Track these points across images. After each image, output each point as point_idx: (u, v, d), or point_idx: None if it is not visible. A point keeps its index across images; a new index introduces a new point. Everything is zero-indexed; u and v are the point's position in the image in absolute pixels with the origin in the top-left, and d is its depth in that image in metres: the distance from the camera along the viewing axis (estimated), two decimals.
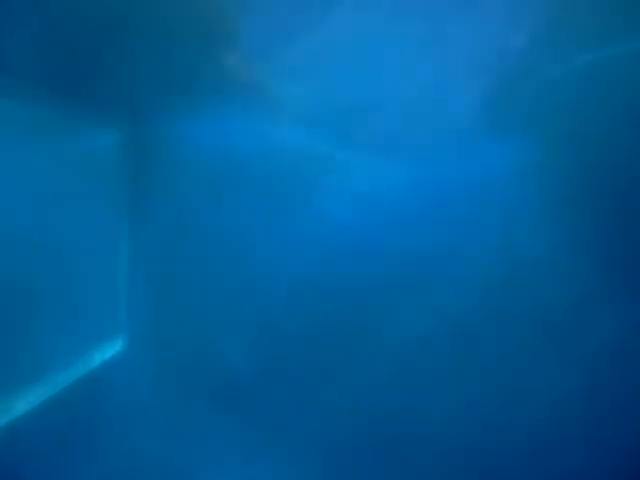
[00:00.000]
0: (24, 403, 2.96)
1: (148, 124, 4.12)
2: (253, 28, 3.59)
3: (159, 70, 3.65)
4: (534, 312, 4.13)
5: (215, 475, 4.25)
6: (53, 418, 3.11)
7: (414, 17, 3.70)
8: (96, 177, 4.11)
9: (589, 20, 3.54)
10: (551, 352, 4.10)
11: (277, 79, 3.95)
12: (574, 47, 3.74)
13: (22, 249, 3.52)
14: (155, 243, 4.29)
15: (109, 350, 3.99)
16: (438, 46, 3.80)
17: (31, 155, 3.63)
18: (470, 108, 3.99)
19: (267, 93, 4.03)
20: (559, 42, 3.72)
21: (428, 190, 4.22)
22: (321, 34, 3.62)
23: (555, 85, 3.88)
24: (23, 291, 3.59)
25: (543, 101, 3.94)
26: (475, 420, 4.15)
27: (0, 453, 2.69)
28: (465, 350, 4.22)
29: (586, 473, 3.94)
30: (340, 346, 4.35)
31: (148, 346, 4.28)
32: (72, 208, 3.91)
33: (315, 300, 4.32)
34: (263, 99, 4.06)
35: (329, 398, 4.32)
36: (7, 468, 2.71)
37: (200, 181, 4.29)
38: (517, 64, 3.83)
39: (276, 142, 4.23)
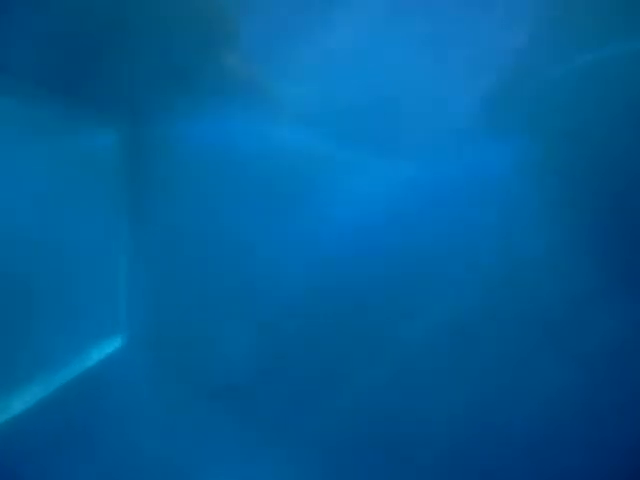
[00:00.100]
0: (21, 402, 2.95)
1: (148, 124, 4.12)
2: (253, 28, 3.59)
3: (159, 70, 3.64)
4: (533, 311, 4.14)
5: (214, 474, 4.25)
6: (51, 417, 3.11)
7: (414, 17, 3.70)
8: (96, 177, 4.11)
9: (589, 20, 3.54)
10: (551, 351, 4.10)
11: (277, 79, 3.95)
12: (574, 47, 3.75)
13: (20, 248, 3.51)
14: (154, 242, 4.29)
15: (107, 349, 3.98)
16: (438, 46, 3.80)
17: (30, 155, 3.63)
18: (470, 108, 3.99)
19: (267, 93, 4.03)
20: (559, 42, 3.72)
21: (428, 190, 4.22)
22: (321, 34, 3.62)
23: (555, 85, 3.88)
24: (21, 290, 3.59)
25: (543, 101, 3.94)
26: (475, 420, 4.15)
27: None
28: (465, 349, 4.22)
29: (586, 472, 3.94)
30: (340, 346, 4.35)
31: (147, 345, 4.27)
32: (71, 207, 3.90)
33: (315, 300, 4.32)
34: (263, 99, 4.06)
35: (329, 398, 4.31)
36: (4, 467, 2.70)
37: (200, 181, 4.29)
38: (517, 64, 3.83)
39: (276, 142, 4.23)
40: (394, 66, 3.91)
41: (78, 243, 3.93)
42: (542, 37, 3.65)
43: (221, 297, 4.36)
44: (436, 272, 4.23)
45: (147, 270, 4.28)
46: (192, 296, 4.37)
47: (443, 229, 4.20)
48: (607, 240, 4.01)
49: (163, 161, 4.24)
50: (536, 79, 3.90)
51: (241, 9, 3.56)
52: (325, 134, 4.21)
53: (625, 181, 3.93)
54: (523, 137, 4.05)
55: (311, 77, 3.92)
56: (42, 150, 3.74)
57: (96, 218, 4.07)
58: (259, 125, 4.19)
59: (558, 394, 4.03)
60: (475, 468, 4.15)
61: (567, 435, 4.07)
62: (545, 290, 4.11)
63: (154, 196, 4.26)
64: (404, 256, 4.25)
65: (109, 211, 4.13)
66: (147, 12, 3.25)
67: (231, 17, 3.53)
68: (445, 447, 4.14)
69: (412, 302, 4.25)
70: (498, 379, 4.14)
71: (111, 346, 4.05)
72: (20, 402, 2.95)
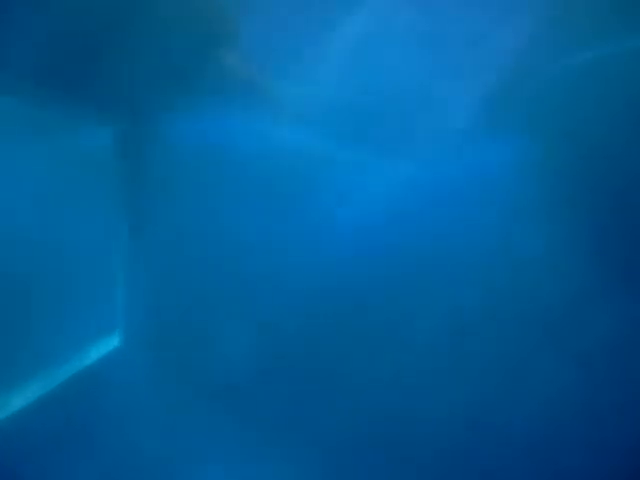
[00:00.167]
0: (21, 399, 2.95)
1: (147, 123, 4.11)
2: (253, 28, 3.59)
3: (159, 69, 3.64)
4: (533, 310, 4.13)
5: (213, 473, 4.25)
6: (50, 414, 3.11)
7: (414, 17, 3.71)
8: (95, 175, 4.11)
9: (587, 19, 3.54)
10: (550, 350, 4.10)
11: (277, 79, 3.95)
12: (573, 46, 3.75)
13: (19, 246, 3.52)
14: (153, 241, 4.28)
15: (106, 347, 3.98)
16: (438, 46, 3.80)
17: (29, 153, 3.63)
18: (470, 107, 3.99)
19: (267, 93, 4.03)
20: (558, 41, 3.73)
21: (427, 189, 4.21)
22: (321, 34, 3.62)
23: (554, 84, 3.88)
24: (20, 288, 3.59)
25: (542, 100, 3.94)
26: (474, 419, 4.14)
27: None
28: (464, 349, 4.22)
29: (585, 472, 3.93)
30: (340, 346, 4.34)
31: (145, 343, 4.27)
32: (70, 206, 3.91)
33: (315, 300, 4.32)
34: (263, 99, 4.06)
35: (329, 398, 4.31)
36: (3, 464, 2.70)
37: (199, 180, 4.28)
38: (516, 64, 3.84)
39: (276, 141, 4.23)
40: (394, 66, 3.91)
41: (77, 242, 3.93)
42: (541, 36, 3.66)
43: (220, 296, 4.36)
44: (436, 272, 4.23)
45: (146, 269, 4.28)
46: (191, 295, 4.37)
47: (443, 229, 4.20)
48: (607, 239, 4.00)
49: (162, 160, 4.23)
50: (536, 79, 3.91)
51: (241, 9, 3.56)
52: (325, 134, 4.21)
53: (623, 179, 3.92)
54: (523, 136, 4.05)
55: (311, 77, 3.92)
56: (41, 148, 3.74)
57: (96, 217, 4.07)
58: (259, 125, 4.18)
59: (557, 393, 4.03)
60: (475, 468, 4.14)
61: (566, 434, 4.06)
62: (545, 289, 4.11)
63: (153, 195, 4.25)
64: (404, 256, 4.25)
65: (108, 210, 4.13)
66: (147, 12, 3.25)
67: (231, 17, 3.54)
68: (444, 446, 4.14)
69: (412, 302, 4.25)
70: (498, 378, 4.13)
71: (110, 345, 4.05)
72: (19, 400, 2.95)
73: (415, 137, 4.13)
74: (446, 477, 4.18)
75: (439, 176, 4.21)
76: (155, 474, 4.01)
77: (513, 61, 3.83)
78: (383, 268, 4.28)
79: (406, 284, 4.28)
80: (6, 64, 2.63)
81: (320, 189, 4.26)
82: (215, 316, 4.34)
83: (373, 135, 4.20)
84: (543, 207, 4.07)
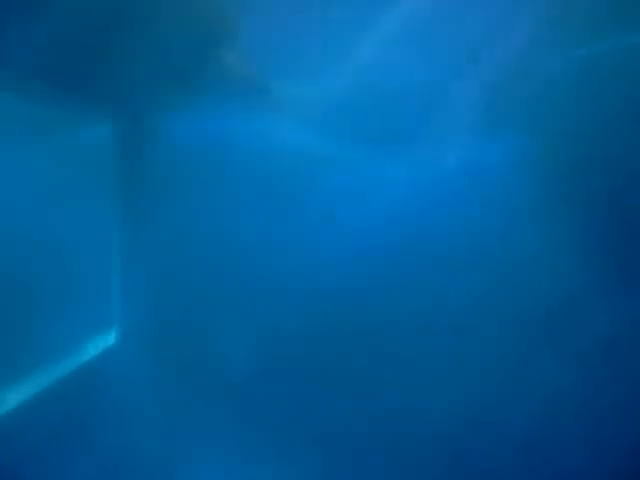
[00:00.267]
0: (18, 396, 2.94)
1: (147, 122, 4.12)
2: (253, 26, 3.59)
3: (158, 67, 3.64)
4: (532, 309, 4.13)
5: (211, 470, 4.24)
6: (47, 411, 3.10)
7: (413, 16, 3.71)
8: (92, 172, 4.11)
9: (586, 16, 3.55)
10: (549, 349, 4.10)
11: (277, 78, 3.95)
12: (572, 44, 3.76)
13: (16, 243, 3.51)
14: (151, 238, 4.27)
15: (104, 344, 3.97)
16: (437, 45, 3.81)
17: (28, 150, 3.63)
18: (469, 106, 3.99)
19: (267, 92, 4.03)
20: (558, 39, 3.73)
21: (427, 187, 4.21)
22: (321, 33, 3.62)
23: (554, 82, 3.88)
24: (18, 285, 3.59)
25: (541, 98, 3.94)
26: (472, 418, 4.14)
27: None
28: (464, 348, 4.22)
29: (584, 472, 3.93)
30: (341, 345, 4.34)
31: (143, 340, 4.26)
32: (67, 202, 3.91)
33: (315, 299, 4.31)
34: (263, 98, 4.06)
35: (329, 397, 4.31)
36: (0, 461, 2.69)
37: (198, 178, 4.28)
38: (516, 61, 3.84)
39: (276, 141, 4.23)
40: (393, 65, 3.92)
41: (73, 237, 3.93)
42: (541, 34, 3.66)
43: (219, 294, 4.36)
44: (435, 271, 4.23)
45: (144, 266, 4.27)
46: (189, 292, 4.37)
47: (442, 228, 4.20)
48: (607, 238, 4.01)
49: (162, 159, 4.23)
50: (535, 77, 3.91)
51: (241, 8, 3.57)
52: (325, 133, 4.22)
53: (622, 177, 3.93)
54: (522, 134, 4.06)
55: (311, 76, 3.92)
56: (40, 147, 3.74)
57: (94, 214, 4.07)
58: (259, 124, 4.18)
59: (557, 392, 4.03)
60: (475, 468, 4.14)
61: (566, 434, 4.06)
62: (544, 288, 4.11)
63: (152, 193, 4.25)
64: (404, 255, 4.25)
65: (107, 207, 4.12)
66: (147, 10, 3.25)
67: (231, 16, 3.54)
68: (445, 447, 4.13)
69: (412, 301, 4.25)
70: (498, 378, 4.13)
71: (107, 341, 4.05)
72: (16, 396, 2.94)
73: (415, 136, 4.13)
74: (446, 477, 4.18)
75: (438, 175, 4.21)
76: (153, 471, 4.01)
77: (512, 60, 3.84)
78: (383, 267, 4.28)
79: (406, 283, 4.28)
80: (5, 61, 2.63)
81: (320, 188, 4.26)
82: (214, 314, 4.34)
83: (373, 134, 4.20)
84: (543, 206, 4.07)
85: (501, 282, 4.18)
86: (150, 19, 3.38)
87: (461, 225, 4.21)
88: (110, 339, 4.08)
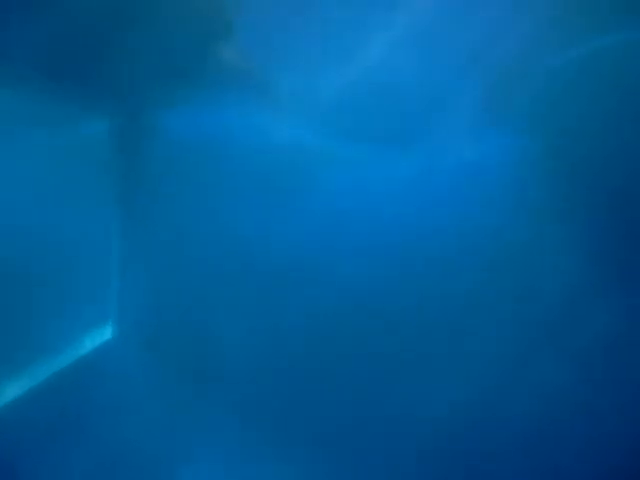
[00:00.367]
0: (14, 390, 2.93)
1: (145, 116, 4.10)
2: (252, 20, 3.58)
3: (157, 62, 3.62)
4: (531, 308, 4.13)
5: (208, 466, 4.22)
6: (43, 405, 3.09)
7: (413, 13, 3.71)
8: (92, 168, 4.09)
9: (586, 13, 3.56)
10: (548, 347, 4.10)
11: (276, 72, 3.94)
12: (572, 40, 3.77)
13: (12, 237, 3.49)
14: (149, 234, 4.25)
15: (100, 338, 3.96)
16: (437, 42, 3.81)
17: (25, 145, 3.61)
18: (469, 104, 4.00)
19: (266, 87, 4.02)
20: (557, 36, 3.74)
21: (427, 184, 4.21)
22: (322, 28, 3.62)
23: (555, 79, 3.89)
24: (15, 279, 3.57)
25: (541, 96, 3.95)
26: (468, 417, 4.13)
27: None
28: (462, 347, 4.21)
29: (583, 471, 3.94)
30: (341, 344, 4.32)
31: (140, 334, 4.24)
32: (64, 197, 3.88)
33: (315, 297, 4.30)
34: (262, 93, 4.04)
35: (329, 395, 4.29)
36: None
37: (196, 173, 4.26)
38: (517, 58, 3.84)
39: (275, 136, 4.21)
40: (393, 62, 3.91)
41: (70, 231, 3.91)
42: (541, 32, 3.67)
43: (216, 288, 4.33)
44: (434, 269, 4.22)
45: (141, 260, 4.25)
46: (187, 286, 4.34)
47: (442, 226, 4.20)
48: (607, 236, 4.02)
49: (160, 154, 4.21)
50: (536, 73, 3.91)
51: (240, 3, 3.55)
52: (324, 129, 4.21)
53: (621, 175, 3.94)
54: (523, 131, 4.06)
55: (310, 72, 3.91)
56: (37, 140, 3.72)
57: (91, 208, 4.05)
58: (258, 119, 4.17)
59: (556, 392, 4.03)
60: (475, 468, 4.14)
61: (566, 433, 4.06)
62: (544, 287, 4.11)
63: (150, 188, 4.23)
64: (403, 254, 4.24)
65: (105, 202, 4.10)
66: (145, 4, 3.23)
67: (230, 10, 3.52)
68: (445, 447, 4.13)
69: (412, 300, 4.25)
70: (498, 377, 4.12)
71: (104, 335, 4.03)
72: (13, 391, 2.92)
73: (414, 131, 4.13)
74: (446, 477, 4.17)
75: (438, 174, 4.21)
76: (149, 465, 3.99)
77: (512, 58, 3.84)
78: (383, 266, 4.27)
79: (405, 283, 4.27)
80: (4, 57, 2.61)
81: (319, 185, 4.24)
82: (211, 309, 4.32)
83: (372, 132, 4.20)
84: (543, 205, 4.07)
85: (501, 281, 4.19)
86: (148, 14, 3.36)
87: (461, 224, 4.20)
88: (107, 334, 4.06)
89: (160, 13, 3.38)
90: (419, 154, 4.21)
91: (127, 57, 3.48)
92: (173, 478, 4.24)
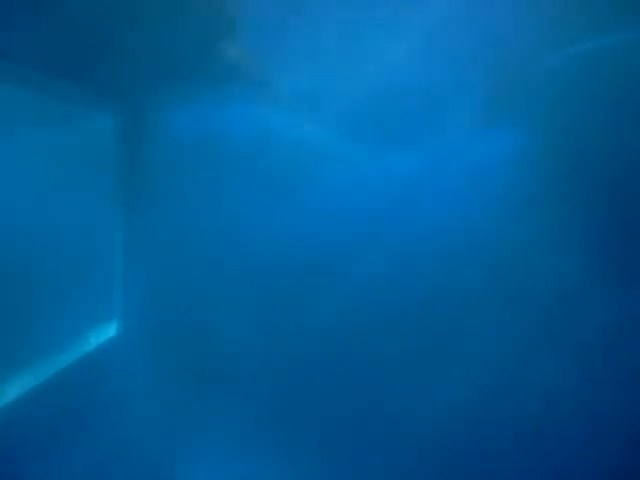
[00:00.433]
0: (18, 387, 2.93)
1: (147, 111, 4.10)
2: (253, 16, 3.58)
3: (158, 59, 3.63)
4: (531, 307, 4.13)
5: (211, 464, 4.22)
6: (47, 403, 3.08)
7: (414, 12, 3.71)
8: (93, 163, 4.09)
9: (586, 12, 3.56)
10: (547, 346, 4.09)
11: (279, 68, 3.94)
12: (572, 39, 3.76)
13: (17, 233, 3.49)
14: (152, 229, 4.25)
15: (105, 335, 3.95)
16: (437, 38, 3.81)
17: (27, 140, 3.61)
18: (469, 102, 3.99)
19: (269, 84, 4.02)
20: (557, 35, 3.73)
21: (426, 180, 4.21)
22: (323, 27, 3.62)
23: (554, 77, 3.89)
24: (18, 275, 3.57)
25: (541, 95, 3.95)
26: (467, 416, 4.13)
27: None
28: (462, 346, 4.21)
29: (583, 471, 3.93)
30: (341, 343, 4.32)
31: (144, 331, 4.24)
32: (68, 193, 3.89)
33: (314, 292, 4.30)
34: (264, 90, 4.05)
35: (329, 395, 4.29)
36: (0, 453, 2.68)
37: (198, 168, 4.26)
38: (515, 58, 3.84)
39: (277, 131, 4.22)
40: (394, 60, 3.91)
41: (74, 228, 3.91)
42: (542, 30, 3.67)
43: (219, 284, 4.33)
44: (434, 268, 4.22)
45: (145, 257, 4.25)
46: (189, 283, 4.34)
47: (442, 225, 4.19)
48: (607, 235, 4.01)
49: (162, 151, 4.22)
50: (536, 73, 3.91)
51: (242, 0, 3.56)
52: (325, 126, 4.21)
53: (621, 174, 3.93)
54: (523, 132, 4.06)
55: (312, 70, 3.91)
56: (39, 135, 3.72)
57: (93, 203, 4.05)
58: (260, 114, 4.17)
59: (556, 391, 4.02)
60: (475, 468, 4.13)
61: (566, 433, 4.05)
62: (544, 286, 4.10)
63: (152, 183, 4.23)
64: (404, 253, 4.24)
65: (107, 197, 4.10)
66: (147, 2, 3.24)
67: (232, 6, 3.53)
68: (445, 447, 4.12)
69: (412, 299, 4.24)
70: (497, 377, 4.12)
71: (108, 332, 4.02)
72: (17, 388, 2.92)
73: (414, 128, 4.13)
74: (446, 477, 4.17)
75: (438, 172, 4.21)
76: (151, 462, 3.99)
77: (512, 58, 3.84)
78: (382, 265, 4.27)
79: (405, 281, 4.26)
80: (6, 54, 2.61)
81: (321, 182, 4.25)
82: (213, 303, 4.32)
83: (373, 129, 4.20)
84: (543, 204, 4.07)
85: (501, 280, 4.18)
86: (150, 12, 3.36)
87: (461, 223, 4.20)
88: (111, 330, 4.06)
89: (162, 11, 3.39)
90: (419, 154, 4.21)
91: (129, 55, 3.48)
92: (173, 477, 4.25)
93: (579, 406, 4.02)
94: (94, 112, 3.89)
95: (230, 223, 4.29)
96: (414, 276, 4.25)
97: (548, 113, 3.99)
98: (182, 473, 4.25)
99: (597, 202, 4.00)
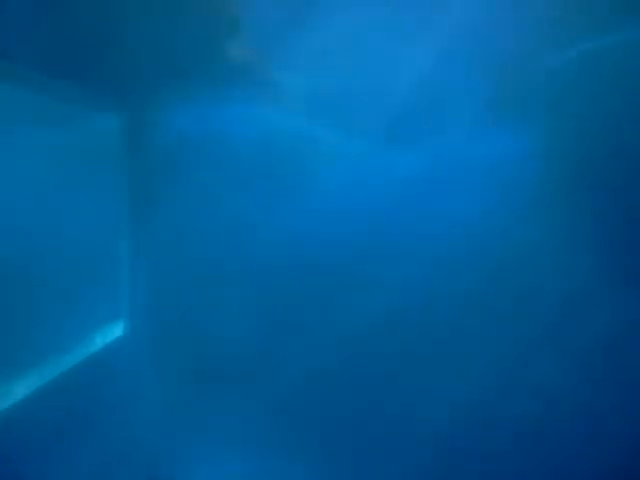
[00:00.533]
0: (24, 387, 2.94)
1: (148, 112, 4.11)
2: (256, 15, 3.59)
3: (160, 58, 3.64)
4: (531, 307, 4.12)
5: (215, 463, 4.23)
6: (53, 403, 3.09)
7: (414, 12, 3.72)
8: (97, 162, 4.10)
9: (587, 11, 3.56)
10: (548, 346, 4.09)
11: (280, 67, 3.95)
12: (573, 39, 3.76)
13: (23, 233, 3.50)
14: (157, 228, 4.26)
15: (110, 335, 3.96)
16: (439, 36, 3.81)
17: (31, 139, 3.62)
18: (472, 100, 3.99)
19: (270, 83, 4.03)
20: (558, 34, 3.74)
21: (427, 180, 4.20)
22: (325, 23, 3.62)
23: (558, 75, 3.89)
24: (24, 275, 3.58)
25: (543, 94, 3.95)
26: (468, 416, 4.13)
27: None
28: (462, 347, 4.20)
29: (583, 471, 3.93)
30: (341, 343, 4.32)
31: (150, 331, 4.25)
32: (74, 192, 3.90)
33: (315, 292, 4.30)
34: (265, 88, 4.05)
35: (329, 395, 4.29)
36: (5, 453, 2.68)
37: (201, 166, 4.27)
38: (516, 58, 3.84)
39: (279, 130, 4.22)
40: (396, 57, 3.91)
41: (80, 228, 3.92)
42: (542, 30, 3.67)
43: (222, 283, 4.34)
44: (435, 268, 4.22)
45: (149, 256, 4.26)
46: (194, 282, 4.34)
47: (442, 224, 4.19)
48: (608, 235, 4.01)
49: (165, 147, 4.23)
50: (536, 73, 3.91)
51: None
52: (326, 124, 4.21)
53: (623, 173, 3.93)
54: (522, 130, 4.05)
55: (314, 65, 3.92)
56: (40, 136, 3.72)
57: (98, 202, 4.06)
58: (261, 113, 4.18)
59: (557, 392, 4.02)
60: (475, 468, 4.13)
61: (566, 433, 4.05)
62: (544, 286, 4.10)
63: (153, 183, 4.24)
64: (404, 252, 4.23)
65: (111, 196, 4.11)
66: (150, 1, 3.24)
67: (234, 5, 3.53)
68: (445, 447, 4.12)
69: (412, 299, 4.24)
70: (498, 377, 4.12)
71: (114, 332, 4.03)
72: (23, 388, 2.93)
73: (415, 126, 4.13)
74: (446, 477, 4.16)
75: (439, 170, 4.21)
76: (156, 462, 4.00)
77: (513, 58, 3.85)
78: (382, 264, 4.27)
79: (405, 281, 4.26)
80: (7, 49, 2.62)
81: (321, 176, 4.25)
82: (218, 302, 4.32)
83: (374, 129, 4.20)
84: (545, 204, 4.06)
85: (501, 281, 4.17)
86: (151, 11, 3.37)
87: (461, 223, 4.20)
88: (117, 330, 4.07)
89: (163, 11, 3.39)
90: (420, 153, 4.21)
91: (130, 55, 3.49)
92: (173, 476, 4.25)
93: (580, 407, 4.02)
94: (95, 112, 3.90)
95: (231, 223, 4.29)
96: (415, 276, 4.25)
97: (548, 113, 3.99)
98: (182, 474, 4.25)
99: (597, 202, 4.00)
